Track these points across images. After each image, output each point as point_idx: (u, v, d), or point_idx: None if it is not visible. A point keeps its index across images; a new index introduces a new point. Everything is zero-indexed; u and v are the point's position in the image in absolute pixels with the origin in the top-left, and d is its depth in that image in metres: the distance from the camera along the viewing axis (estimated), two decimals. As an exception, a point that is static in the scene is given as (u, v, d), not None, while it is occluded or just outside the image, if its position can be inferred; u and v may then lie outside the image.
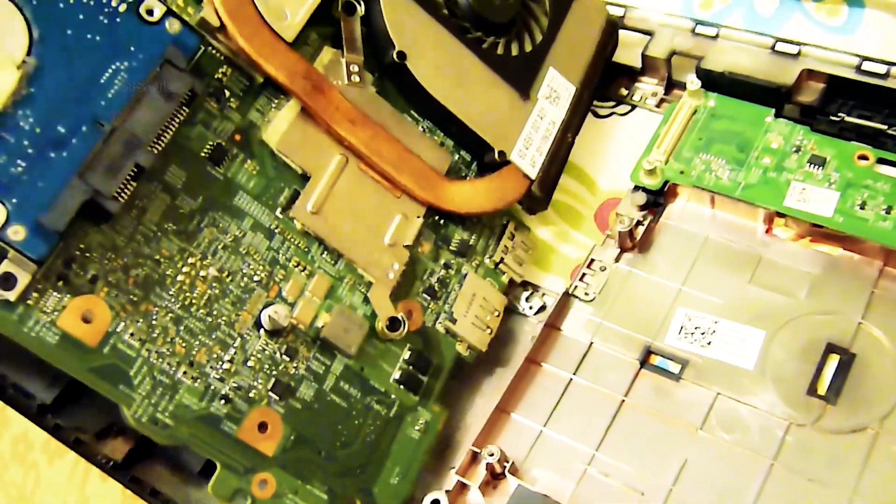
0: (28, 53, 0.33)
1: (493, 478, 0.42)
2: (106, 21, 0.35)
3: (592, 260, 0.48)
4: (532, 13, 0.49)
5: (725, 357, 0.42)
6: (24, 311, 0.33)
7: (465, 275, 0.44)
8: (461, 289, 0.44)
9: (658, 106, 0.52)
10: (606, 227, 0.50)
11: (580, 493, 0.41)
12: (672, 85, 0.53)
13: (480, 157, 0.45)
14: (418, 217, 0.43)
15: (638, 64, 0.53)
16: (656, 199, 0.48)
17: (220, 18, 0.37)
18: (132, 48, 0.35)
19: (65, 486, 0.47)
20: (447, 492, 0.41)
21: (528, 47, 0.47)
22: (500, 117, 0.45)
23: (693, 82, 0.49)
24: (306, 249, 0.40)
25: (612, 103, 0.54)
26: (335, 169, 0.40)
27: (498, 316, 0.45)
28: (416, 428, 0.43)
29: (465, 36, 0.45)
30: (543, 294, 0.49)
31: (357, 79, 0.42)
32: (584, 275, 0.47)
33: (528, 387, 0.45)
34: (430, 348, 0.44)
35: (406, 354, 0.42)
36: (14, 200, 0.32)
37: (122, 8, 0.35)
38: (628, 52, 0.52)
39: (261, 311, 0.38)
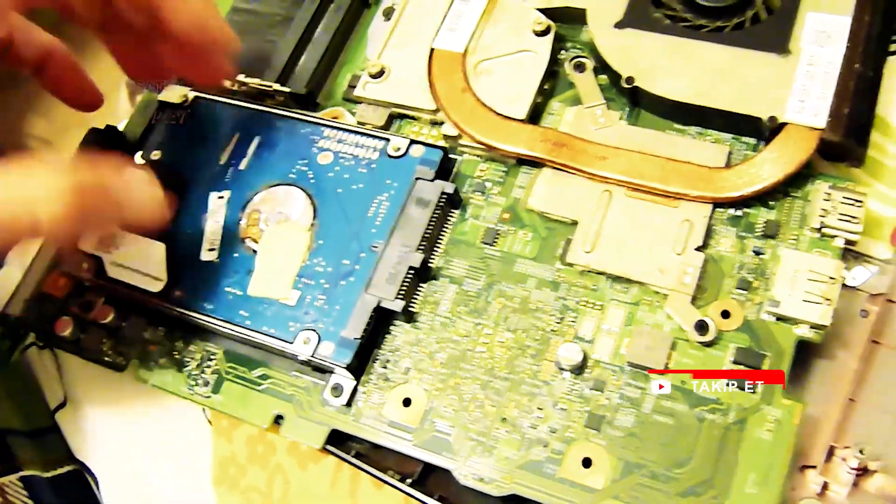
0: (314, 218, 0.56)
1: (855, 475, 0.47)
2: (365, 171, 0.57)
3: (914, 221, 0.50)
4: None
5: None
6: (357, 410, 0.53)
7: (782, 255, 0.51)
8: (780, 270, 0.50)
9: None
10: (920, 182, 0.51)
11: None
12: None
13: (759, 133, 0.54)
14: (704, 216, 0.53)
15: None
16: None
17: (457, 127, 0.58)
18: (388, 181, 0.56)
19: (326, 493, 0.57)
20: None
21: (776, 4, 0.56)
22: (760, 85, 0.53)
23: None
24: (594, 287, 0.53)
25: (896, 36, 0.56)
26: (600, 206, 0.54)
27: (835, 283, 0.49)
28: (766, 428, 0.48)
29: (700, 31, 0.56)
30: (863, 260, 0.53)
31: (603, 120, 0.57)
32: (907, 238, 0.49)
33: (872, 370, 0.50)
34: (761, 342, 0.50)
35: (732, 355, 0.50)
36: (321, 326, 0.53)
37: (375, 156, 0.57)
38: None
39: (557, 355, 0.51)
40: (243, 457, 0.61)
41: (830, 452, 0.49)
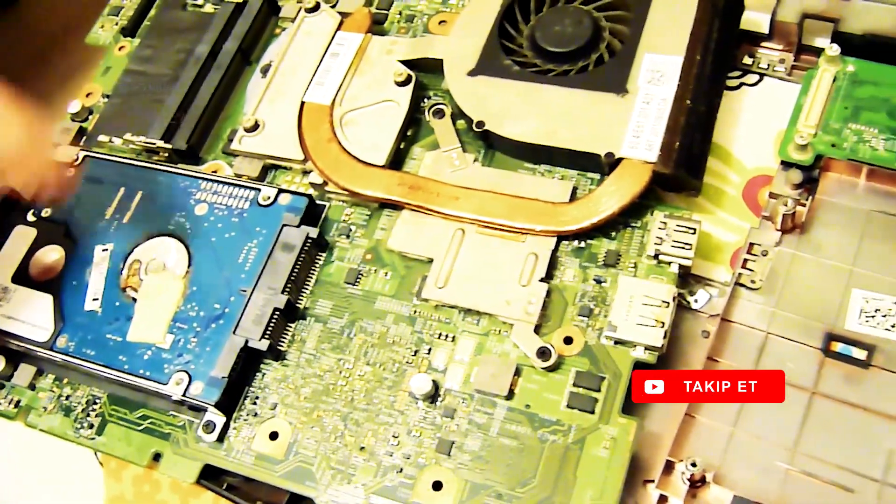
0: (189, 266, 0.59)
1: (692, 486, 0.50)
2: (237, 220, 0.59)
3: (752, 244, 0.55)
4: (613, 18, 0.61)
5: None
6: (228, 445, 0.55)
7: (619, 282, 0.53)
8: (617, 296, 0.53)
9: (788, 74, 0.61)
10: (758, 208, 0.58)
11: (788, 494, 0.49)
12: (801, 50, 0.61)
13: (601, 168, 0.57)
14: (549, 249, 0.55)
15: (765, 29, 0.61)
16: (809, 175, 0.55)
17: (322, 175, 0.60)
18: (258, 228, 0.59)
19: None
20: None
21: (618, 47, 0.59)
22: (600, 123, 0.57)
23: (832, 48, 0.58)
24: (447, 320, 0.55)
25: (738, 73, 0.62)
26: (452, 243, 0.57)
27: (668, 307, 0.52)
28: (603, 446, 0.50)
29: (547, 76, 0.59)
30: (705, 284, 0.56)
31: (458, 162, 0.60)
32: (746, 261, 0.55)
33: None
34: (599, 365, 0.52)
35: (572, 378, 0.52)
36: (192, 367, 0.55)
37: (246, 205, 0.60)
38: (754, 16, 0.61)
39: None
40: (131, 495, 0.63)
41: (670, 466, 0.51)
